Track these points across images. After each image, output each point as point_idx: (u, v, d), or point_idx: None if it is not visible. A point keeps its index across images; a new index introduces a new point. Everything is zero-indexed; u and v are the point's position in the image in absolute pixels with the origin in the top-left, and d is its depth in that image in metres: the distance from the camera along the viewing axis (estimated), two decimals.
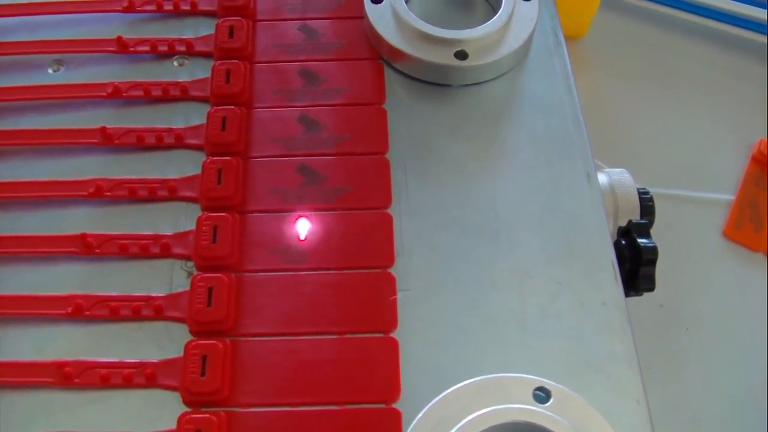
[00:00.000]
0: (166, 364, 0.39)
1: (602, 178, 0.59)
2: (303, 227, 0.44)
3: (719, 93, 0.88)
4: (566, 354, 0.40)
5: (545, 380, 0.37)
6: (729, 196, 0.81)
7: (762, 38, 0.93)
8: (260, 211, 0.44)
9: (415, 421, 0.36)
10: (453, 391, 0.37)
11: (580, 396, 0.37)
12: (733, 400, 0.69)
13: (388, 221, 0.44)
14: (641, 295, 0.49)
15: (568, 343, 0.41)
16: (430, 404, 0.37)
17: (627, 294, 0.48)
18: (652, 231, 0.53)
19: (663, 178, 0.76)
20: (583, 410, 0.37)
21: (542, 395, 0.37)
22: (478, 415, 0.36)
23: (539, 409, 0.36)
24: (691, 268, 0.74)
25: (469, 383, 0.37)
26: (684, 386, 0.68)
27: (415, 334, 0.41)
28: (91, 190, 0.45)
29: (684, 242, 0.75)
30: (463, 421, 0.36)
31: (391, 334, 0.40)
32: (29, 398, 0.39)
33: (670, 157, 0.81)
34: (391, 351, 0.40)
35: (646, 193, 0.54)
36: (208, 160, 0.45)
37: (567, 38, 0.53)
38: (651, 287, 0.47)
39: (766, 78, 0.88)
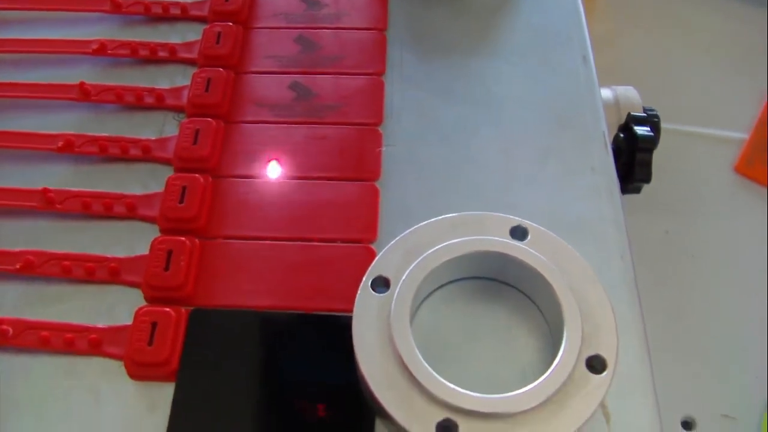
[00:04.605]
0: (148, 198, 0.40)
1: (606, 92, 0.58)
2: (296, 86, 0.44)
3: (731, 37, 0.87)
4: (551, 214, 0.39)
5: (524, 220, 0.36)
6: (742, 135, 0.80)
7: None
8: (255, 73, 0.45)
9: (385, 249, 0.35)
10: (427, 223, 0.36)
11: (559, 237, 0.36)
12: (735, 330, 0.66)
13: (380, 86, 0.44)
14: (638, 191, 0.48)
15: (555, 204, 0.40)
16: (403, 234, 0.36)
17: (624, 190, 0.47)
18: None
19: (677, 115, 0.75)
20: (562, 250, 0.35)
21: (519, 234, 0.36)
22: (449, 243, 0.35)
23: (515, 242, 0.35)
24: (700, 199, 0.72)
25: (443, 217, 0.37)
26: (686, 314, 0.65)
27: (397, 185, 0.40)
28: (95, 47, 0.46)
29: (695, 175, 0.73)
30: (434, 248, 0.35)
31: (374, 183, 0.40)
32: (16, 224, 0.40)
33: (683, 95, 0.80)
34: (371, 197, 0.40)
35: (652, 110, 0.54)
36: (209, 25, 0.46)
37: None
38: (647, 177, 0.46)
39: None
